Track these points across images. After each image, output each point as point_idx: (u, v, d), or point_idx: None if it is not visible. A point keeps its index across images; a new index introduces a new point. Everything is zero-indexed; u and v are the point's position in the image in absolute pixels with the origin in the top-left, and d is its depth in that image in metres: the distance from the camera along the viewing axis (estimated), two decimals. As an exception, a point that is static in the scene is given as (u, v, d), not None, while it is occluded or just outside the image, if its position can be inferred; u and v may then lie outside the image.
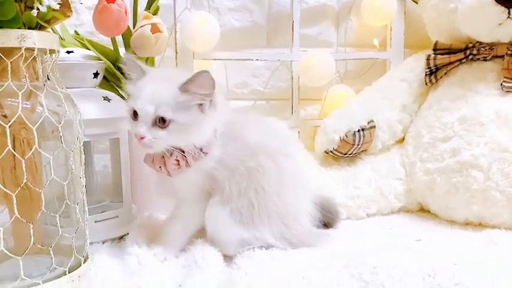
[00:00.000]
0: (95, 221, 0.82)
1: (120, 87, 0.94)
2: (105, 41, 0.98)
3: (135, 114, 0.69)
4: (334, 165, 1.05)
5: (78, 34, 0.97)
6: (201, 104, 0.69)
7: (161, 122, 0.68)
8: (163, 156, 0.71)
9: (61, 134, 0.65)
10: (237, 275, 0.64)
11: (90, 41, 0.85)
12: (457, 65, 1.02)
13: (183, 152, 0.70)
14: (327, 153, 1.03)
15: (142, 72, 0.72)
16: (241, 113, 0.82)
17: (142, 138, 0.68)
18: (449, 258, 0.65)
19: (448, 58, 1.02)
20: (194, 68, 1.09)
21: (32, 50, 0.62)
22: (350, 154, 1.02)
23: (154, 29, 0.79)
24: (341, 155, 1.02)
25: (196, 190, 0.74)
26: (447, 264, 0.63)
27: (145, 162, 0.74)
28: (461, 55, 1.01)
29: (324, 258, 0.70)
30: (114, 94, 0.85)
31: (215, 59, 1.12)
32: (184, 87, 0.68)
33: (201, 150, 0.70)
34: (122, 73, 0.87)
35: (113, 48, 0.87)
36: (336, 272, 0.65)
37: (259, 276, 0.63)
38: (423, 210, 1.04)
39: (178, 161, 0.70)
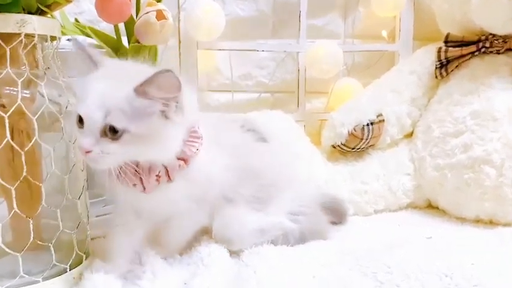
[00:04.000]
0: (96, 216, 0.80)
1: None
2: (105, 30, 0.95)
3: (80, 121, 0.56)
4: (341, 160, 1.02)
5: (78, 22, 0.94)
6: (163, 110, 0.57)
7: (112, 132, 0.55)
8: (136, 171, 0.60)
9: (62, 125, 0.62)
10: (246, 272, 0.62)
11: (92, 29, 0.81)
12: (469, 58, 0.99)
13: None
14: (334, 147, 1.01)
15: (94, 65, 0.59)
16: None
17: (87, 152, 0.55)
18: (466, 258, 0.63)
19: (460, 51, 0.99)
20: (198, 58, 1.06)
21: (32, 36, 0.60)
22: (358, 149, 1.00)
23: (160, 15, 0.76)
24: (349, 150, 1.00)
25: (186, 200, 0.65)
26: (464, 264, 0.61)
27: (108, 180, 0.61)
28: (473, 48, 0.98)
29: (334, 255, 0.68)
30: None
31: (219, 49, 1.09)
32: (140, 90, 0.55)
33: (185, 162, 0.61)
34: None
35: (115, 37, 0.84)
36: (347, 270, 0.62)
37: (269, 274, 0.61)
38: (431, 207, 1.02)
39: (159, 176, 0.60)
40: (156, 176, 0.61)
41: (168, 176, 0.61)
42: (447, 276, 0.58)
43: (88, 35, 0.84)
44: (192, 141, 0.62)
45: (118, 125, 0.55)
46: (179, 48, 1.04)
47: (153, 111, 0.56)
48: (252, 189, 0.71)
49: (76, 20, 0.95)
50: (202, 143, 0.63)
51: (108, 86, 0.56)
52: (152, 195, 0.62)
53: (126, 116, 0.55)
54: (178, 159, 0.61)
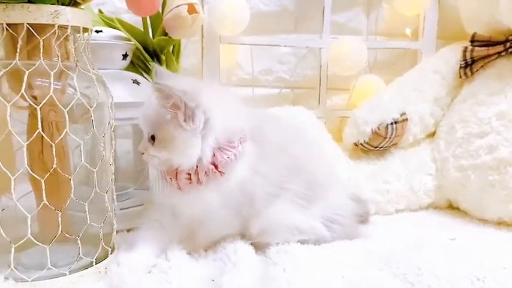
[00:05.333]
0: (120, 209, 0.79)
1: (145, 71, 0.90)
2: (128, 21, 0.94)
3: None
4: (363, 158, 1.01)
5: (102, 13, 0.93)
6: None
7: (152, 138, 0.65)
8: (176, 168, 0.66)
9: (92, 117, 0.62)
10: (274, 270, 0.60)
11: (120, 21, 0.81)
12: (495, 58, 0.98)
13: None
14: (356, 145, 1.00)
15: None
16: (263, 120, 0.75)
17: (142, 153, 0.67)
18: (497, 261, 0.62)
19: (487, 50, 0.97)
20: (220, 52, 1.05)
21: (65, 27, 0.59)
22: (381, 147, 0.99)
23: (191, 9, 0.75)
24: (371, 148, 0.99)
25: (221, 209, 0.68)
26: (495, 267, 0.60)
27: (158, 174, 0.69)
28: (500, 48, 0.97)
29: (362, 256, 0.67)
30: (142, 78, 0.82)
31: (242, 44, 1.08)
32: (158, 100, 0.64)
33: (215, 167, 0.64)
34: (151, 55, 0.83)
35: (140, 29, 0.83)
36: (377, 271, 0.61)
37: (298, 273, 0.60)
38: (452, 207, 1.00)
39: (190, 175, 0.65)
40: (187, 174, 0.65)
41: (198, 178, 0.65)
42: (479, 279, 0.57)
43: (113, 26, 0.84)
44: (226, 149, 0.65)
45: (151, 132, 0.65)
46: (202, 42, 1.03)
47: (168, 119, 0.63)
48: (301, 185, 0.70)
49: (100, 11, 0.94)
50: (242, 156, 0.66)
51: (151, 99, 0.65)
52: (190, 200, 0.67)
53: (156, 124, 0.65)
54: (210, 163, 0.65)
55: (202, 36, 1.03)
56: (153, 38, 0.85)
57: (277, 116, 0.83)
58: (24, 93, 0.56)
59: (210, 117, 0.64)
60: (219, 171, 0.65)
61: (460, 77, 1.02)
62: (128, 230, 0.79)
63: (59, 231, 0.59)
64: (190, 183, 0.65)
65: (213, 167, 0.64)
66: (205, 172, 0.64)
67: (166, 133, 0.64)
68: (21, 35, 0.56)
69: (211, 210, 0.67)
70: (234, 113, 0.68)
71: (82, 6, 0.64)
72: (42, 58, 0.57)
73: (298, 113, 1.00)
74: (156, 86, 0.62)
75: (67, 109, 0.58)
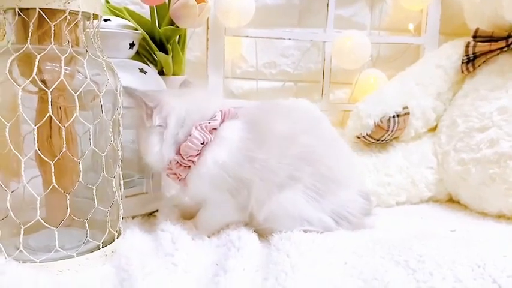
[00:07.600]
0: (126, 196, 0.80)
1: (151, 61, 0.91)
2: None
3: None
4: (365, 150, 1.02)
5: (109, 3, 0.94)
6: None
7: None
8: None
9: (101, 103, 0.63)
10: (278, 256, 0.61)
11: (128, 10, 0.81)
12: (497, 54, 0.99)
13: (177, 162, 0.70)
14: (358, 138, 1.00)
15: None
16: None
17: None
18: (497, 250, 0.63)
19: (489, 46, 0.98)
20: (225, 44, 1.06)
21: (76, 13, 0.60)
22: (382, 140, 1.00)
23: (199, -2, 0.76)
24: (373, 141, 1.00)
25: (214, 192, 0.71)
26: (496, 255, 0.61)
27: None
28: (502, 43, 0.97)
29: (364, 244, 0.68)
30: (149, 67, 0.82)
31: (246, 36, 1.08)
32: None
33: (182, 158, 0.69)
34: (157, 45, 0.84)
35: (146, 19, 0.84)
36: (379, 258, 0.62)
37: (302, 259, 0.61)
38: (452, 201, 1.01)
39: (171, 170, 0.71)
40: (169, 169, 0.71)
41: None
42: (479, 266, 0.58)
43: (121, 16, 0.84)
44: (187, 140, 0.69)
45: None
46: (207, 34, 1.04)
47: (139, 120, 0.71)
48: (313, 178, 0.71)
49: (107, 1, 0.95)
50: (218, 141, 0.69)
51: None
52: (188, 190, 0.72)
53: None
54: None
55: (208, 28, 1.03)
56: (160, 28, 0.86)
57: (292, 107, 0.85)
58: (36, 77, 0.57)
59: (167, 115, 0.69)
60: (189, 160, 0.69)
61: (462, 72, 1.03)
62: (133, 217, 0.80)
63: (67, 214, 0.60)
64: (178, 178, 0.71)
65: (180, 157, 0.69)
66: (180, 164, 0.69)
67: (137, 134, 0.73)
68: (33, 20, 0.57)
69: (205, 194, 0.71)
70: (198, 108, 0.71)
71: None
72: (53, 43, 0.58)
73: (302, 106, 1.01)
74: (124, 90, 0.67)
75: (76, 94, 0.59)
